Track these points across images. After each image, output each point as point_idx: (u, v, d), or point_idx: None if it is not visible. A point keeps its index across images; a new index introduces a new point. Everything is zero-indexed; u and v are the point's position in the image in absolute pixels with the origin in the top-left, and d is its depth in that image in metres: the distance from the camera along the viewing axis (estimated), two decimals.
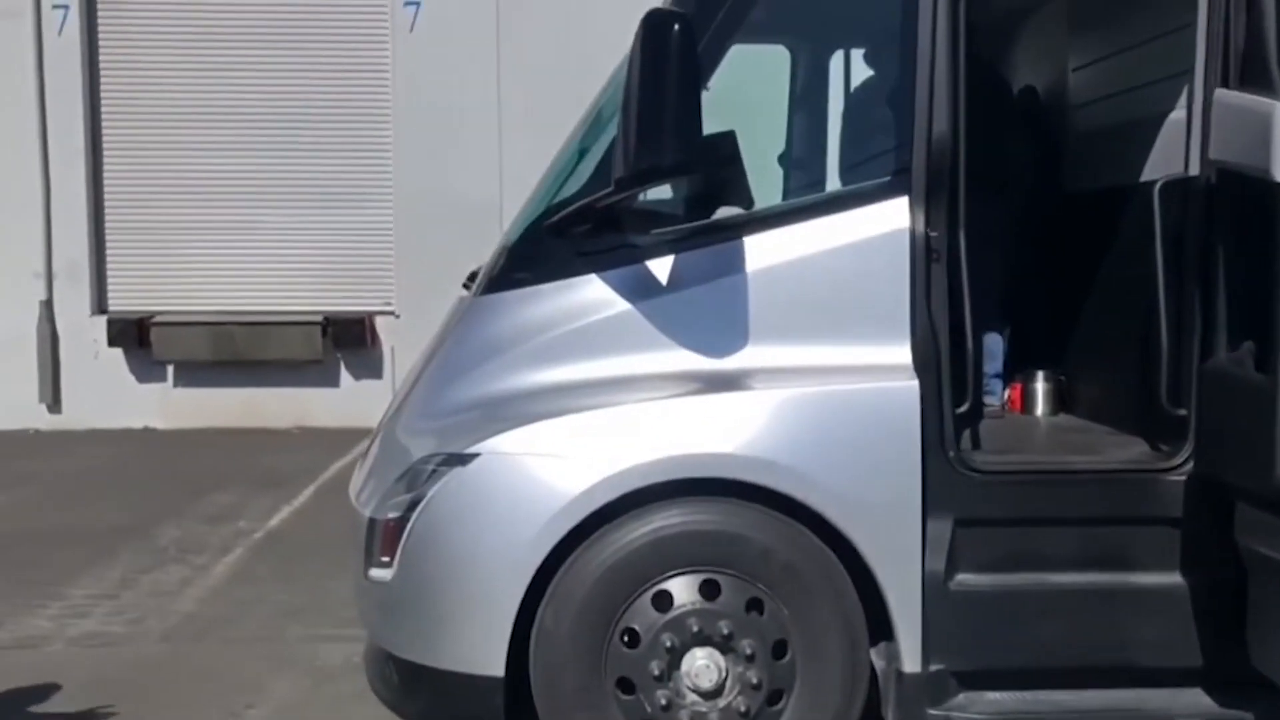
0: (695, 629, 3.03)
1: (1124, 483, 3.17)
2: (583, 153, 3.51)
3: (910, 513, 3.04)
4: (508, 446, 3.05)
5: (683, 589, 3.04)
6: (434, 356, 3.43)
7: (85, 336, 9.87)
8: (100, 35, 9.96)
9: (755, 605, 3.05)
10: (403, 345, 9.73)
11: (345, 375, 9.98)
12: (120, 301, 10.08)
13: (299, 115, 9.94)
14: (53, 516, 6.81)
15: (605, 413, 3.05)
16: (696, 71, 2.88)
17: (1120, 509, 3.14)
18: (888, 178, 3.16)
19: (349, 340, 9.81)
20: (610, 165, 3.04)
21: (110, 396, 9.81)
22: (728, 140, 3.05)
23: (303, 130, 9.97)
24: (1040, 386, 4.19)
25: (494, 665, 3.03)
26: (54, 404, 9.88)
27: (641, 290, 3.14)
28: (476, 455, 3.05)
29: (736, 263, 3.12)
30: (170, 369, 9.90)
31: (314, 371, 9.81)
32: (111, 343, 9.77)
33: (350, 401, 9.79)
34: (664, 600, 3.04)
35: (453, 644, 3.09)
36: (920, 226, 3.09)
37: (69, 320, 9.89)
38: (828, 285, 3.13)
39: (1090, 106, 4.14)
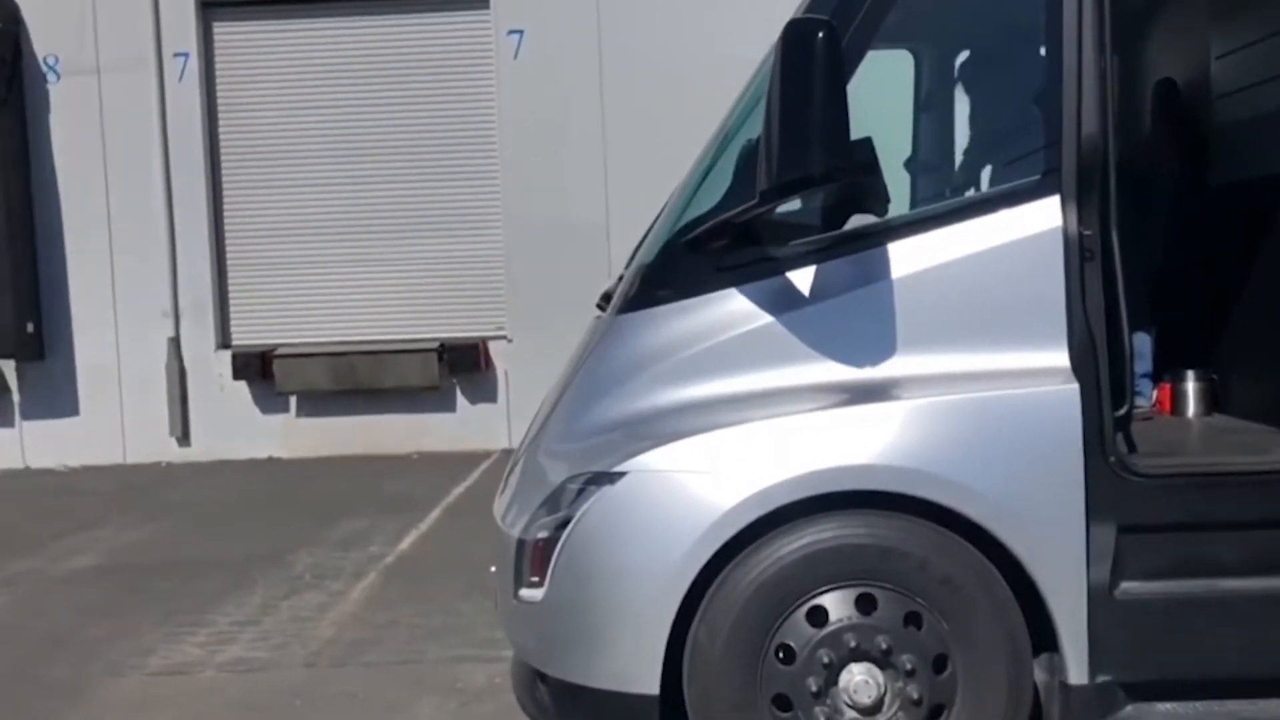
0: (852, 644, 2.97)
1: None
2: (714, 169, 3.49)
3: (1074, 520, 2.94)
4: (656, 464, 3.03)
5: (837, 604, 2.99)
6: (574, 377, 3.42)
7: (211, 371, 10.25)
8: (218, 79, 10.39)
9: (913, 619, 2.98)
10: (516, 368, 9.90)
11: (461, 400, 10.16)
12: (243, 336, 10.46)
13: (409, 147, 10.21)
14: (191, 546, 7.05)
15: (755, 427, 3.02)
16: (842, 79, 2.84)
17: None
18: (1037, 177, 3.08)
19: (464, 366, 9.99)
20: (746, 180, 3.01)
21: (236, 428, 10.17)
22: (865, 147, 2.99)
23: (413, 162, 10.23)
24: (1191, 386, 4.05)
25: (648, 683, 3.01)
26: (183, 437, 10.28)
27: (785, 302, 3.10)
28: (624, 474, 3.04)
29: (882, 270, 3.07)
30: (292, 400, 10.22)
31: (431, 398, 10.00)
32: (236, 376, 10.13)
33: (467, 426, 10.00)
34: (819, 615, 2.99)
35: (606, 662, 3.07)
36: (1073, 226, 3.00)
37: (195, 356, 10.28)
38: (977, 288, 3.05)
39: (1237, 95, 3.98)
